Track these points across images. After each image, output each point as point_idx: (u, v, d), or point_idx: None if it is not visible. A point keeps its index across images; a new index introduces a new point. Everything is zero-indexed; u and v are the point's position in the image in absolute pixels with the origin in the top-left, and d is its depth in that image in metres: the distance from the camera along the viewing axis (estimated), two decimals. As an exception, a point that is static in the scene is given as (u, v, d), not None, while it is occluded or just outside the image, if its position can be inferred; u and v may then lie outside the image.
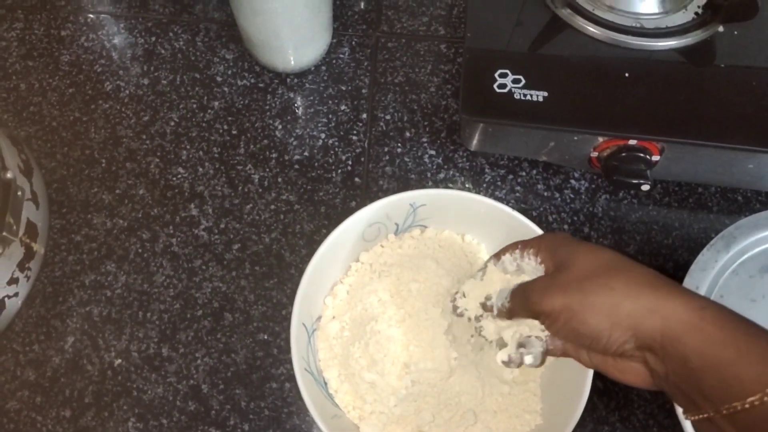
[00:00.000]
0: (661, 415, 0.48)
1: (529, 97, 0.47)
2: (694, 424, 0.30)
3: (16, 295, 0.50)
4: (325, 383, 0.45)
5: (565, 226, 0.54)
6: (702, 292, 0.46)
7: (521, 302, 0.35)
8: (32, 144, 0.57)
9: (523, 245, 0.37)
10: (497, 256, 0.39)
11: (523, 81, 0.48)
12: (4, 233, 0.46)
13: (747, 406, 0.27)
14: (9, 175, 0.47)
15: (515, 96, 0.48)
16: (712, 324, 0.29)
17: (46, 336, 0.50)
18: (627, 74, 0.48)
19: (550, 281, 0.34)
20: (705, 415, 0.29)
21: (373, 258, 0.48)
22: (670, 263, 0.52)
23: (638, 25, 0.51)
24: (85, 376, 0.49)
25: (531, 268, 0.36)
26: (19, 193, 0.49)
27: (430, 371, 0.43)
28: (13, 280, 0.49)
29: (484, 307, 0.38)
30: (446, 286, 0.45)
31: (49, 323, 0.51)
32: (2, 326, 0.50)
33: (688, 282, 0.46)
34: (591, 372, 0.41)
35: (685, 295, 0.30)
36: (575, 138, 0.48)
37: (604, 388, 0.48)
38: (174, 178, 0.56)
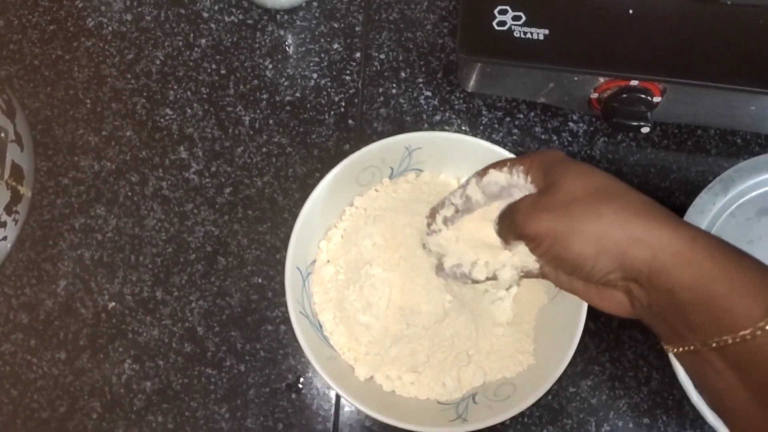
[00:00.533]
0: (652, 355, 0.48)
1: (529, 36, 0.46)
2: (677, 356, 0.30)
3: (4, 238, 0.49)
4: (320, 326, 0.45)
5: (562, 170, 0.53)
6: (697, 235, 0.46)
7: (508, 224, 0.33)
8: (14, 84, 0.55)
9: (512, 162, 0.34)
10: (482, 172, 0.35)
11: (524, 18, 0.46)
12: (-11, 176, 0.45)
13: (738, 339, 0.27)
14: (-10, 115, 0.46)
15: (515, 34, 0.46)
16: (704, 255, 0.28)
17: (38, 279, 0.50)
18: (631, 11, 0.47)
19: (536, 202, 0.31)
20: (690, 347, 0.28)
21: (367, 202, 0.48)
22: (667, 206, 0.51)
23: (644, -41, 0.49)
24: (79, 319, 0.49)
25: (520, 186, 0.33)
26: (2, 134, 0.47)
27: (424, 314, 0.43)
28: (0, 224, 0.48)
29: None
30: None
31: (40, 267, 0.50)
32: (-7, 270, 0.49)
33: (684, 225, 0.46)
34: (584, 314, 0.41)
35: (675, 224, 0.29)
36: (576, 78, 0.46)
37: (595, 329, 0.49)
38: (162, 120, 0.54)
